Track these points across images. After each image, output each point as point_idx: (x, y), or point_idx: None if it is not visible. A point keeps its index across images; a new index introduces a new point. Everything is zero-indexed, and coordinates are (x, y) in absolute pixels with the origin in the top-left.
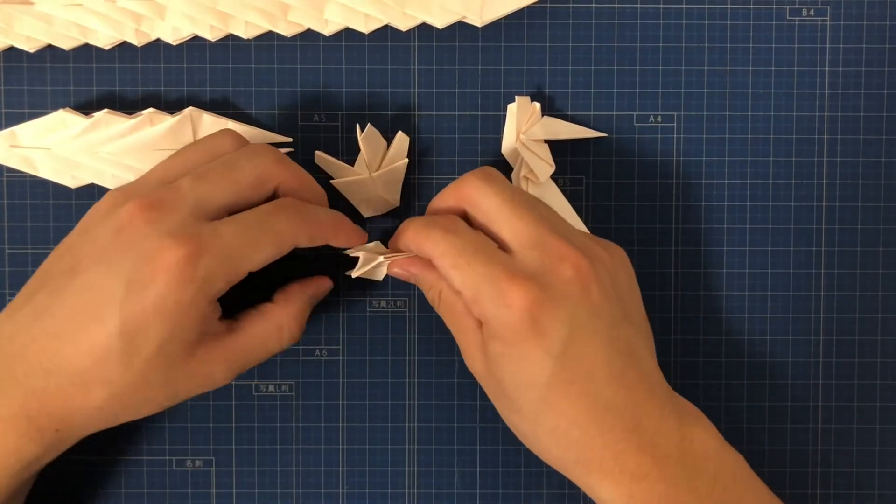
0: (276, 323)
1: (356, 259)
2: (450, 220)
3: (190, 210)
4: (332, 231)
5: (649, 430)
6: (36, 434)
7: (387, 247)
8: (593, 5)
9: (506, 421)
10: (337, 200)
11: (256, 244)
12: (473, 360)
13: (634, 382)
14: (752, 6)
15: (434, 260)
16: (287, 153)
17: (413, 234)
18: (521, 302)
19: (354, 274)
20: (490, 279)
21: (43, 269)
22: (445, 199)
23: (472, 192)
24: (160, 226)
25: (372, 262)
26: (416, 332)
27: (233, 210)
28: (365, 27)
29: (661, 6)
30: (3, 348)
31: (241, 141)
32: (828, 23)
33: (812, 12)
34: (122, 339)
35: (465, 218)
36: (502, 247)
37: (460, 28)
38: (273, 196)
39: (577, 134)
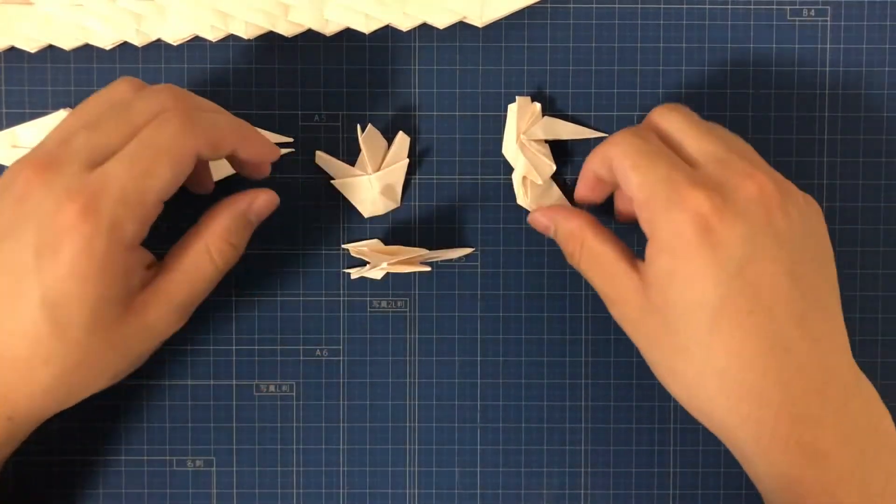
0: (202, 246)
1: (359, 261)
2: (634, 128)
3: (83, 163)
4: (236, 137)
5: (837, 399)
6: None
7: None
8: (594, 5)
9: (664, 376)
10: (337, 200)
11: (150, 170)
12: (626, 307)
13: (821, 334)
14: (752, 6)
15: (614, 161)
16: (287, 153)
17: (602, 144)
18: (697, 208)
19: (355, 275)
20: (669, 182)
21: None
22: (636, 129)
23: (658, 117)
24: (54, 186)
25: (378, 266)
26: (416, 332)
27: None
28: (365, 27)
29: (662, 6)
30: None
31: (140, 85)
32: (828, 23)
33: (812, 12)
34: (48, 313)
35: None
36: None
37: (461, 28)
38: None
39: (577, 134)
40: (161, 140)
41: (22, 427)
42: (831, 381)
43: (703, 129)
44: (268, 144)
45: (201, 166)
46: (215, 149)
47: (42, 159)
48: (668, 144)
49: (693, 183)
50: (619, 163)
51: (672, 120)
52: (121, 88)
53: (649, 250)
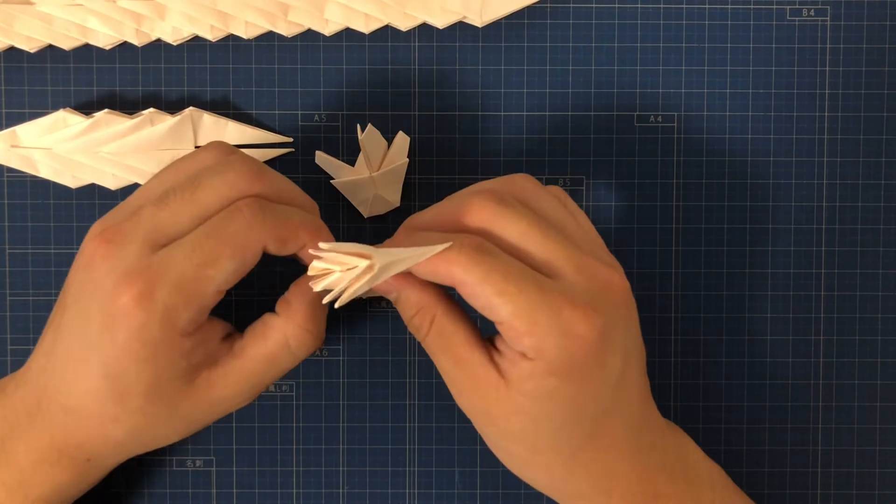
0: (280, 337)
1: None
2: (474, 240)
3: (145, 242)
4: (306, 234)
5: (660, 446)
6: (68, 463)
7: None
8: (593, 5)
9: (514, 463)
10: (337, 200)
11: (213, 261)
12: (482, 402)
13: (647, 397)
14: (752, 6)
15: (466, 287)
16: (287, 153)
17: (426, 259)
18: (589, 332)
19: (339, 304)
20: (550, 307)
21: (57, 301)
22: (443, 221)
23: (485, 217)
24: (115, 263)
25: (354, 286)
26: None
27: None
28: (365, 27)
29: (662, 6)
30: (31, 383)
31: (225, 153)
32: (828, 23)
33: (812, 12)
34: (110, 383)
35: None
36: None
37: (460, 28)
38: None
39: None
40: (227, 232)
41: (99, 469)
42: (654, 435)
43: (542, 231)
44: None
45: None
46: (283, 245)
47: (109, 232)
48: (511, 251)
49: (574, 304)
50: (475, 289)
51: (505, 222)
52: (206, 157)
53: (527, 366)
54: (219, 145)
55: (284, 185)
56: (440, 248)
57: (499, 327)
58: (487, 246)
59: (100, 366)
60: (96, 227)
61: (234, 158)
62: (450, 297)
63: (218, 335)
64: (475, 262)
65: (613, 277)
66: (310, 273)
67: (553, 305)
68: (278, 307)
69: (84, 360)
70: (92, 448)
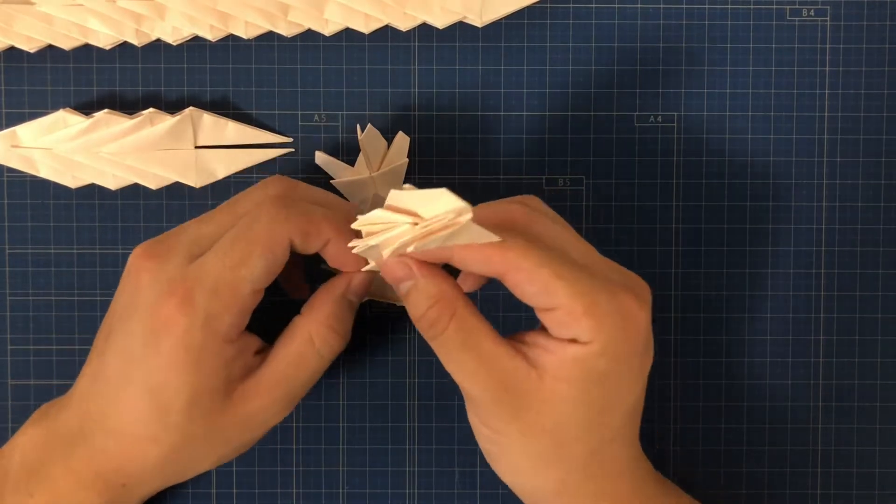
0: (305, 336)
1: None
2: (517, 235)
3: (186, 254)
4: (330, 229)
5: (643, 455)
6: (103, 487)
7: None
8: (593, 5)
9: (534, 468)
10: None
11: (244, 261)
12: (509, 394)
13: None
14: (752, 6)
15: (521, 273)
16: (287, 153)
17: (477, 244)
18: (643, 315)
19: (356, 250)
20: (607, 290)
21: (102, 323)
22: (485, 217)
23: (524, 218)
24: (158, 275)
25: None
26: (416, 332)
27: None
28: (365, 27)
29: (661, 6)
30: (74, 407)
31: (293, 185)
32: (828, 23)
33: (812, 12)
34: (151, 398)
35: None
36: None
37: (460, 28)
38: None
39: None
40: (254, 231)
41: (134, 496)
42: (655, 478)
43: (573, 234)
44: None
45: (294, 267)
46: (307, 238)
47: (154, 248)
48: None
49: (625, 288)
50: (533, 273)
51: (542, 223)
52: (265, 191)
53: (575, 350)
54: (280, 178)
55: (318, 194)
56: (496, 238)
57: (550, 315)
58: (531, 239)
59: (142, 381)
60: (141, 246)
61: (273, 177)
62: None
63: (252, 348)
64: (531, 247)
65: (636, 278)
66: (356, 225)
67: (609, 289)
68: (303, 308)
69: (127, 377)
70: (129, 472)
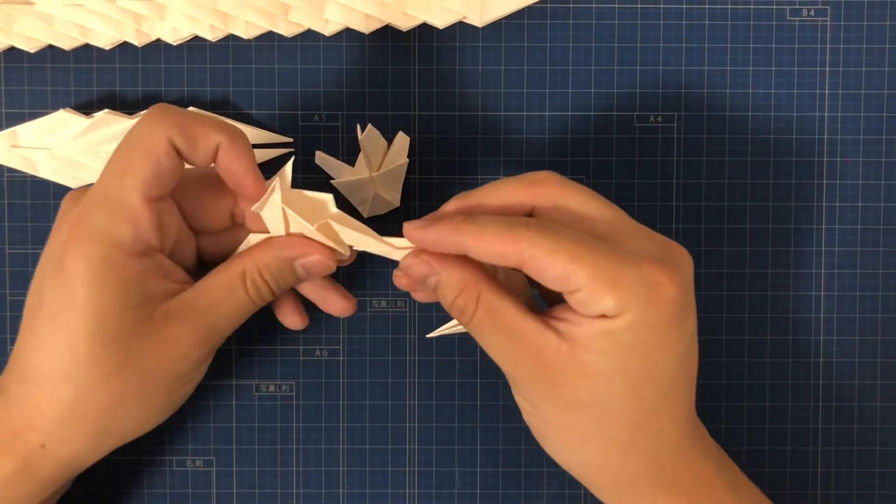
0: (239, 270)
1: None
2: (538, 220)
3: (82, 193)
4: (214, 131)
5: (703, 434)
6: (21, 448)
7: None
8: (593, 5)
9: (564, 439)
10: (337, 200)
11: (127, 168)
12: (543, 369)
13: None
14: (752, 6)
15: (536, 261)
16: (287, 153)
17: (491, 235)
18: (672, 285)
19: (256, 207)
20: (630, 264)
21: None
22: (508, 194)
23: (551, 190)
24: (67, 210)
25: (373, 247)
26: (416, 332)
27: None
28: (365, 27)
29: (662, 6)
30: (9, 363)
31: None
32: (828, 23)
33: (812, 12)
34: (56, 327)
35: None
36: None
37: (460, 28)
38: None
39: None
40: (134, 137)
41: (55, 460)
42: (700, 424)
43: (602, 201)
44: (252, 157)
45: (285, 295)
46: (189, 139)
47: (73, 192)
48: (576, 223)
49: (651, 260)
50: (546, 261)
51: (569, 194)
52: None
53: (604, 324)
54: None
55: (205, 115)
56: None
57: (574, 297)
58: (551, 224)
59: (48, 310)
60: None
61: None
62: (491, 274)
63: (175, 274)
64: (542, 235)
65: (673, 243)
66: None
67: (632, 262)
68: (248, 248)
69: (36, 312)
70: (44, 428)
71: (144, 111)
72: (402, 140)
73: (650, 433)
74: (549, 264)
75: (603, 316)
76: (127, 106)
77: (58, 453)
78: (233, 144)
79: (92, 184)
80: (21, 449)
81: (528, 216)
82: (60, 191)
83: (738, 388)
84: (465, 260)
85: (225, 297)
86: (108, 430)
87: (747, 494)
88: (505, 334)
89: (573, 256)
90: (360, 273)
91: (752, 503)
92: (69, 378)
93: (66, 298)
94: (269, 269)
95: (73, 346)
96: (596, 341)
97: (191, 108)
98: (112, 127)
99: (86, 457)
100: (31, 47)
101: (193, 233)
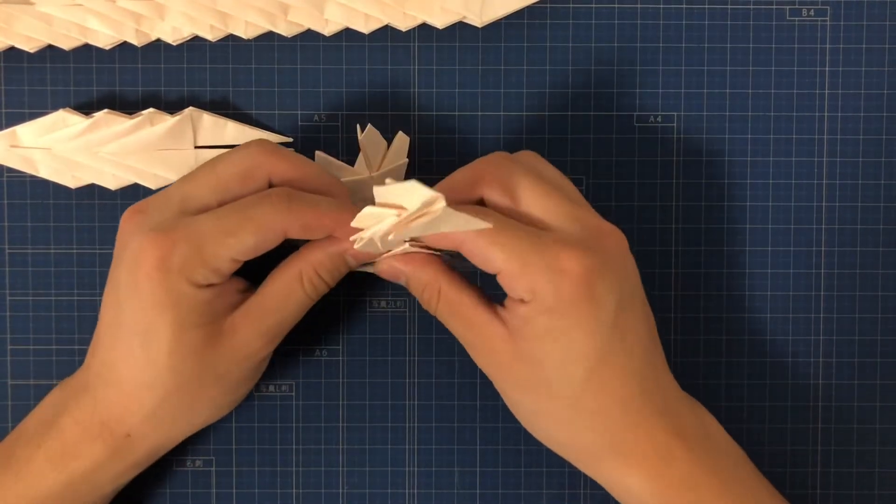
0: (295, 272)
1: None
2: (475, 208)
3: (175, 208)
4: (331, 220)
5: (673, 412)
6: (109, 437)
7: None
8: (593, 5)
9: (527, 415)
10: None
11: (233, 231)
12: (492, 355)
13: (659, 362)
14: (752, 6)
15: (465, 245)
16: None
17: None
18: (577, 268)
19: (357, 245)
20: (539, 248)
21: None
22: (459, 181)
23: (497, 174)
24: (142, 226)
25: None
26: (416, 332)
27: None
28: (365, 27)
29: (661, 6)
30: (85, 368)
31: (273, 148)
32: (828, 23)
33: (812, 12)
34: (140, 344)
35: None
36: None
37: (460, 28)
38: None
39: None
40: (253, 211)
41: (138, 449)
42: (669, 399)
43: (543, 187)
44: (352, 211)
45: None
46: (308, 232)
47: (141, 205)
48: (506, 206)
49: (563, 243)
50: (472, 245)
51: (511, 176)
52: (248, 150)
53: (524, 310)
54: (260, 142)
55: (299, 162)
56: (484, 224)
57: (498, 279)
58: (485, 210)
59: (130, 326)
60: (130, 206)
61: (254, 140)
62: (451, 269)
63: (235, 288)
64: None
65: (606, 226)
66: (355, 223)
67: (541, 247)
68: (301, 248)
69: (118, 325)
70: (130, 422)
71: (254, 146)
72: (401, 140)
73: (588, 411)
74: (475, 247)
75: (521, 301)
76: (127, 106)
77: (141, 443)
78: (341, 229)
79: (154, 190)
80: (109, 437)
81: (480, 202)
82: (60, 191)
83: (738, 388)
84: (428, 258)
85: (285, 299)
86: (184, 425)
87: (725, 476)
88: (463, 324)
89: (493, 241)
90: (359, 273)
91: (722, 483)
92: (151, 387)
93: (147, 321)
94: (324, 265)
95: (154, 360)
96: (524, 327)
97: (318, 154)
98: (112, 127)
99: (164, 447)
100: (31, 47)
101: None
